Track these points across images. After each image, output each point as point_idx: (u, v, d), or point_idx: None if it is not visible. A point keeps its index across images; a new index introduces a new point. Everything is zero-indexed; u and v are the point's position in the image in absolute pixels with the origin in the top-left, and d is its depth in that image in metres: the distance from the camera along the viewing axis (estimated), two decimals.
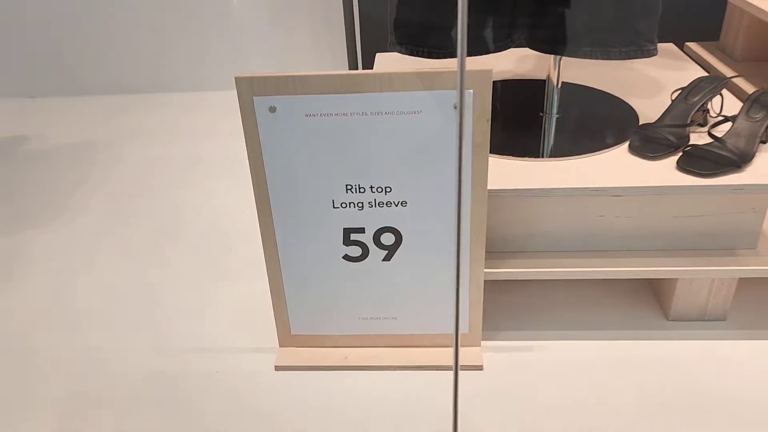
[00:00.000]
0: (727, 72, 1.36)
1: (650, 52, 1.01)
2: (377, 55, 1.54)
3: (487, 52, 1.09)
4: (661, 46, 1.50)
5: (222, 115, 2.05)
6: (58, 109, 2.15)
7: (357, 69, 2.04)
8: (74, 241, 1.43)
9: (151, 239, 1.42)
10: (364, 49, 2.09)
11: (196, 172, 1.70)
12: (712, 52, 1.47)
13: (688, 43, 1.54)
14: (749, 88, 1.27)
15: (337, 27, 2.19)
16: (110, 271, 1.33)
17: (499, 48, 1.09)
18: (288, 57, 2.25)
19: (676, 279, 1.07)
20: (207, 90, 2.26)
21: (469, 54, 1.09)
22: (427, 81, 0.85)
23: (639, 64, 1.40)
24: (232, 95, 2.21)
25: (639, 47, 1.01)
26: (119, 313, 1.21)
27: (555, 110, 1.18)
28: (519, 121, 1.19)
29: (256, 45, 2.23)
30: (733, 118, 1.04)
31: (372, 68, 1.58)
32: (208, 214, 1.51)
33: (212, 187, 1.62)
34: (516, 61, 1.49)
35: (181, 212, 1.52)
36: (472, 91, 0.86)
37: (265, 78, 0.87)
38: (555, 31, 1.04)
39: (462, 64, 0.54)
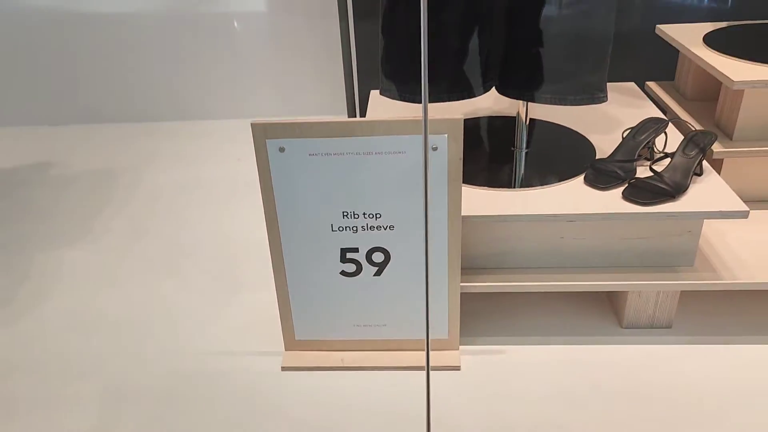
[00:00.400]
0: (678, 110, 1.55)
1: (600, 100, 1.20)
2: (372, 92, 1.72)
3: (466, 98, 1.27)
4: (623, 85, 1.69)
5: (230, 142, 2.24)
6: (79, 136, 2.34)
7: (354, 101, 2.22)
8: (100, 257, 1.60)
9: (169, 255, 1.60)
10: (360, 79, 2.27)
11: (208, 194, 1.88)
12: (667, 91, 1.65)
13: (648, 83, 1.73)
14: (695, 125, 1.45)
15: (335, 61, 2.38)
16: (133, 283, 1.50)
17: (477, 94, 1.27)
18: (289, 86, 2.44)
19: (627, 291, 1.24)
20: (216, 118, 2.44)
21: (451, 99, 1.28)
22: (409, 127, 1.04)
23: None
24: (239, 123, 2.40)
25: (590, 96, 1.19)
26: (143, 320, 1.38)
27: (524, 145, 1.37)
28: (493, 155, 1.38)
29: (261, 77, 2.43)
30: (672, 155, 1.23)
31: (368, 97, 1.76)
32: (220, 232, 1.69)
33: (223, 209, 1.80)
34: (494, 99, 1.67)
35: (196, 231, 1.70)
36: (446, 135, 1.04)
37: (276, 124, 1.05)
38: (521, 81, 1.22)
39: (425, 114, 0.72)
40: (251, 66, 2.42)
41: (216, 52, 2.40)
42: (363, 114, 2.31)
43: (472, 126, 1.52)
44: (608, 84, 1.69)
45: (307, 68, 2.42)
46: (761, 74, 1.30)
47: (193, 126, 2.39)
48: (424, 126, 0.71)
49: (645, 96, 1.61)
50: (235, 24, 2.43)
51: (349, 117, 2.25)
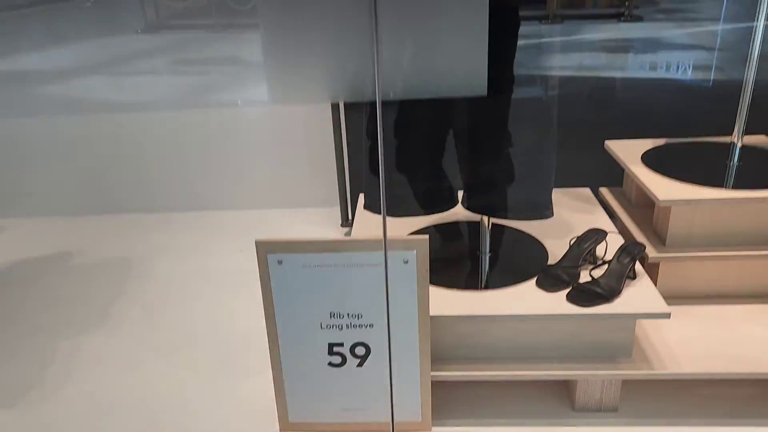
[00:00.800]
0: (623, 215, 1.79)
1: (547, 215, 1.44)
2: (360, 195, 1.96)
3: (445, 211, 1.52)
4: (578, 190, 1.94)
5: (233, 233, 2.47)
6: (96, 226, 2.58)
7: (346, 196, 2.47)
8: (117, 344, 1.80)
9: (178, 342, 1.80)
10: (352, 170, 2.49)
11: (214, 284, 2.10)
12: (616, 198, 1.90)
13: (601, 188, 1.97)
14: (635, 231, 1.69)
15: (331, 153, 2.62)
16: (147, 369, 1.69)
17: (454, 205, 1.52)
18: (288, 179, 2.70)
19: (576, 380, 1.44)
20: (221, 209, 2.68)
21: (432, 213, 1.53)
22: (381, 245, 1.27)
23: (558, 209, 1.82)
24: (241, 214, 2.64)
25: (538, 213, 1.44)
26: (155, 403, 1.56)
27: (487, 249, 1.59)
28: (461, 258, 1.61)
29: (261, 170, 2.69)
30: (609, 262, 1.45)
31: (361, 185, 1.98)
32: (224, 321, 1.89)
33: (227, 298, 2.01)
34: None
35: (202, 319, 1.90)
36: (415, 251, 1.27)
37: (276, 242, 1.28)
38: (482, 200, 1.47)
39: (384, 233, 0.95)
40: (252, 159, 2.69)
41: (220, 147, 2.67)
42: (354, 207, 2.55)
43: (443, 231, 1.75)
44: (566, 189, 1.94)
45: (305, 161, 2.68)
46: (684, 193, 1.54)
47: (201, 217, 2.63)
48: (384, 247, 0.94)
49: (596, 202, 1.85)
50: (239, 102, 2.72)
51: (341, 211, 2.49)
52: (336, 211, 2.56)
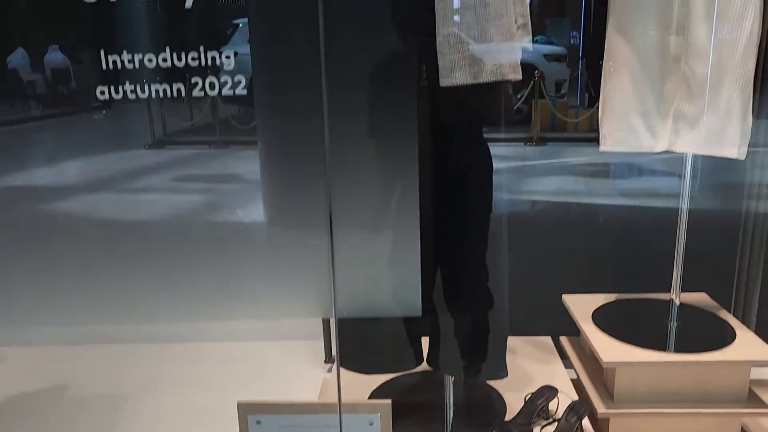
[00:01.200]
0: (578, 366, 1.95)
1: (501, 377, 1.60)
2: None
3: (414, 368, 1.69)
4: (540, 339, 2.11)
5: (222, 366, 2.61)
6: (94, 356, 2.71)
7: (329, 332, 2.62)
8: None
9: None
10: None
11: (199, 422, 2.21)
12: (574, 347, 2.07)
13: (561, 337, 2.14)
14: (588, 384, 1.84)
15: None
16: None
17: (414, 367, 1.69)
18: (279, 311, 2.86)
19: None
20: (213, 341, 2.83)
21: (406, 370, 1.70)
22: (349, 408, 1.42)
23: (518, 357, 1.98)
24: (234, 345, 2.78)
25: (494, 374, 1.60)
26: None
27: (450, 403, 1.74)
28: (426, 412, 1.75)
29: (253, 301, 2.85)
30: (559, 420, 1.60)
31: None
32: None
33: None
34: None
35: None
36: (379, 414, 1.43)
37: (255, 404, 1.44)
38: (441, 359, 1.64)
39: (339, 404, 1.10)
40: (244, 290, 2.86)
41: (215, 272, 2.85)
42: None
43: (410, 382, 1.90)
44: (528, 338, 2.11)
45: (296, 290, 2.85)
46: (627, 356, 1.71)
47: (192, 348, 2.77)
48: (339, 410, 1.09)
49: (555, 351, 2.02)
50: (239, 212, 2.92)
51: (324, 348, 2.64)
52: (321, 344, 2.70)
